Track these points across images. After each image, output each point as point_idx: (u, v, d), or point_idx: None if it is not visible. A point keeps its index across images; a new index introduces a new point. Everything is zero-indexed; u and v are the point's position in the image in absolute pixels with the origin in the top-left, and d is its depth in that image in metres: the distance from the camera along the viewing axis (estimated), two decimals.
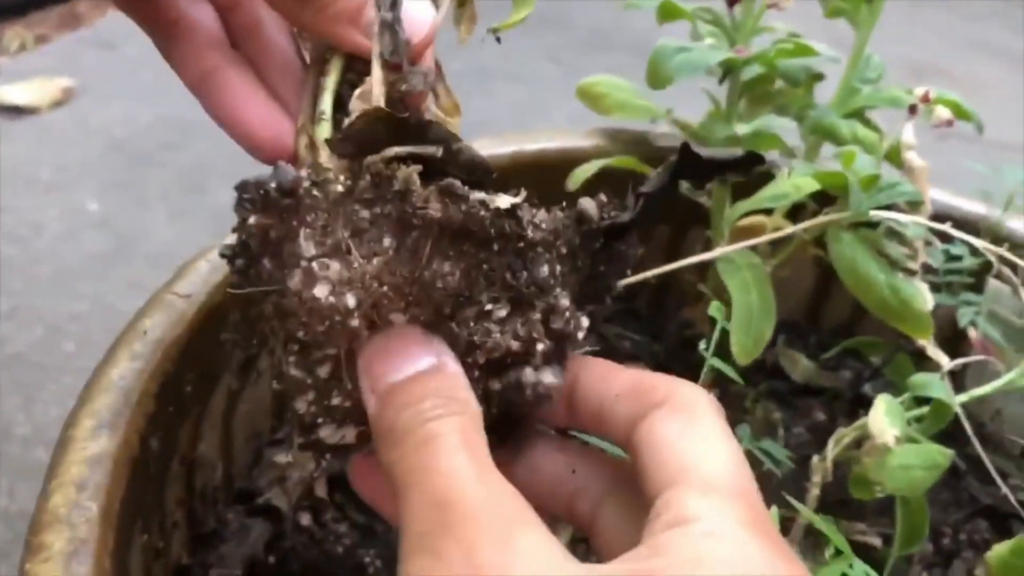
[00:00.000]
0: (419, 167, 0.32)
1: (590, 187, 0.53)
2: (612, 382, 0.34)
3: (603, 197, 0.36)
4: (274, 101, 0.39)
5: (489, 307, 0.33)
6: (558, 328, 0.34)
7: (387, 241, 0.32)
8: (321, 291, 0.31)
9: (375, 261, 0.31)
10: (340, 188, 0.32)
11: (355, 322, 0.31)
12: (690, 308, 0.66)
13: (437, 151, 0.33)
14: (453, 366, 0.33)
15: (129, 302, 1.15)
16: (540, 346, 0.33)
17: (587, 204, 0.35)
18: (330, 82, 0.37)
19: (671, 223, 0.70)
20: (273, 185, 0.32)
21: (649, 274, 0.56)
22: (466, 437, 0.31)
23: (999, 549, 0.51)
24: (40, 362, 0.96)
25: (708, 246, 0.59)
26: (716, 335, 0.51)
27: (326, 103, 0.37)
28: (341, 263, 0.31)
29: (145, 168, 1.24)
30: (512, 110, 1.53)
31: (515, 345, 0.33)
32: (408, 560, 0.28)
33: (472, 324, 0.33)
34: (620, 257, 0.36)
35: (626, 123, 0.64)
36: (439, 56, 0.40)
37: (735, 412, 0.64)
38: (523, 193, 0.33)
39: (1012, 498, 0.50)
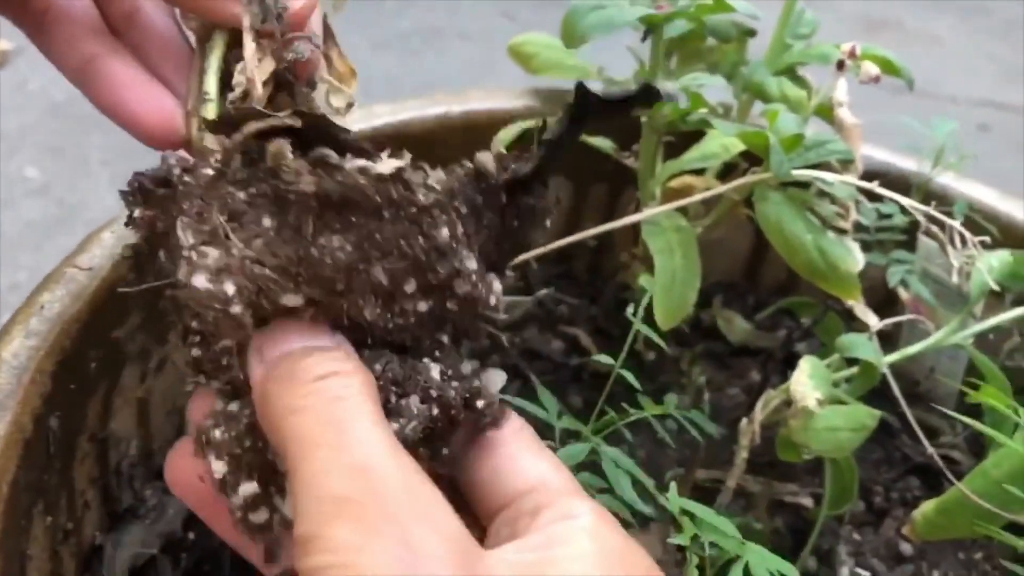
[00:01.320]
0: (288, 140, 0.31)
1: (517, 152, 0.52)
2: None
3: (502, 149, 0.34)
4: (161, 86, 0.37)
5: (383, 279, 0.31)
6: (464, 292, 0.33)
7: (266, 221, 0.30)
8: (199, 280, 0.29)
9: (256, 243, 0.30)
10: (211, 171, 0.31)
11: (236, 309, 0.30)
12: (626, 271, 0.65)
13: (296, 120, 0.31)
14: (350, 347, 0.32)
15: None
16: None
17: (484, 158, 0.34)
18: (213, 61, 0.36)
19: (607, 182, 0.68)
20: (148, 176, 0.31)
21: (583, 235, 0.55)
22: (376, 408, 0.30)
23: (926, 507, 0.51)
24: None
25: (639, 208, 0.58)
26: (644, 301, 0.51)
27: (210, 83, 0.35)
28: (219, 249, 0.30)
29: (86, 132, 1.21)
30: (465, 69, 1.50)
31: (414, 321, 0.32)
32: (325, 523, 0.27)
33: (369, 299, 0.32)
34: (529, 211, 0.35)
35: (557, 81, 0.62)
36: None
37: (671, 375, 0.63)
38: (407, 156, 0.32)
39: (936, 456, 0.49)
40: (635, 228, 0.56)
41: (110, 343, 0.45)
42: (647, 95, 0.36)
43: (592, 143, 0.57)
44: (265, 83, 0.35)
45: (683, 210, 0.54)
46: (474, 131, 0.59)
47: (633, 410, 0.48)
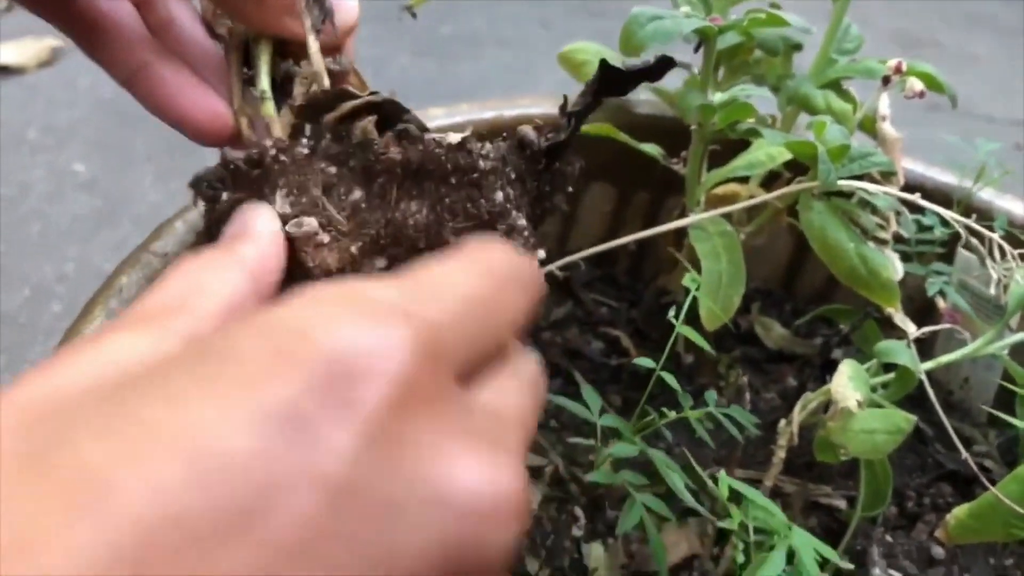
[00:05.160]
0: (374, 117, 0.34)
1: None
2: None
3: (538, 122, 0.39)
4: (207, 88, 0.40)
5: (455, 238, 0.35)
6: (518, 245, 0.36)
7: (356, 192, 0.34)
8: (304, 246, 0.33)
9: (348, 210, 0.33)
10: (305, 150, 0.33)
11: (336, 270, 0.33)
12: (667, 275, 0.67)
13: (381, 98, 0.35)
14: None
15: (115, 264, 1.15)
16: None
17: (526, 130, 0.38)
18: (263, 64, 0.39)
19: (651, 190, 0.70)
20: (241, 159, 0.33)
21: (626, 240, 0.57)
22: None
23: (958, 511, 0.52)
24: (27, 323, 0.97)
25: (684, 213, 0.59)
26: (687, 303, 0.52)
27: (264, 83, 0.39)
28: (318, 218, 0.33)
29: (132, 129, 1.24)
30: (501, 75, 1.53)
31: None
32: None
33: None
34: (561, 175, 0.39)
35: None
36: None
37: (709, 377, 0.65)
38: (468, 129, 0.36)
39: (972, 462, 0.51)
40: (677, 233, 0.58)
41: None
42: (663, 67, 0.41)
43: (641, 149, 0.58)
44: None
45: (727, 216, 0.55)
46: None
47: (673, 412, 0.50)
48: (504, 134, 0.38)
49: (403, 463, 0.19)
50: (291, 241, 0.32)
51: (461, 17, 1.66)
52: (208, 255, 0.28)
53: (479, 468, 0.21)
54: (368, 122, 0.34)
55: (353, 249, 0.33)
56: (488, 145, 0.36)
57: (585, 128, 0.59)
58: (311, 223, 0.32)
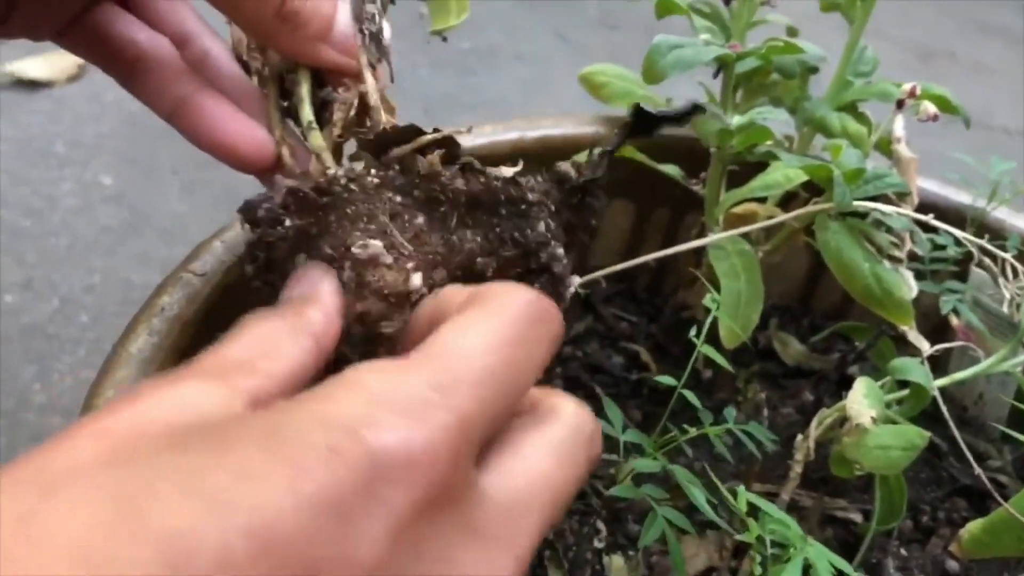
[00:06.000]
0: (442, 151, 0.37)
1: None
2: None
3: (575, 159, 0.41)
4: (247, 117, 0.42)
5: (499, 264, 0.37)
6: (559, 272, 0.39)
7: (419, 219, 0.36)
8: (374, 268, 0.35)
9: (410, 235, 0.36)
10: (376, 180, 0.36)
11: (407, 287, 0.35)
12: (686, 291, 0.68)
13: (450, 135, 0.38)
14: None
15: (141, 275, 1.17)
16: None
17: (564, 167, 0.40)
18: (304, 93, 0.41)
19: (670, 207, 0.72)
20: (309, 187, 0.35)
21: (647, 258, 0.58)
22: None
23: (972, 526, 0.53)
24: (56, 333, 0.99)
25: (703, 232, 0.61)
26: (708, 322, 0.54)
27: (309, 114, 0.41)
28: (384, 241, 0.35)
29: (158, 142, 1.27)
30: (520, 89, 1.54)
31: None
32: None
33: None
34: (590, 209, 0.42)
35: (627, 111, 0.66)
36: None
37: (727, 393, 0.66)
38: (520, 164, 0.38)
39: (984, 477, 0.52)
40: (697, 251, 0.59)
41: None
42: (692, 112, 0.45)
43: (661, 169, 0.60)
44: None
45: (745, 235, 0.57)
46: (548, 156, 0.62)
47: (693, 428, 0.51)
48: (544, 168, 0.40)
49: (421, 560, 0.23)
50: (355, 263, 0.34)
51: (479, 31, 1.68)
52: (280, 318, 0.30)
53: (484, 568, 0.24)
54: (437, 155, 0.37)
55: (410, 266, 0.35)
56: (533, 180, 0.39)
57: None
58: (376, 245, 0.34)
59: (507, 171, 0.38)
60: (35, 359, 0.95)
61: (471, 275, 0.37)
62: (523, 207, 0.37)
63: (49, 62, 1.35)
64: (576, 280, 0.40)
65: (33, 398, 0.90)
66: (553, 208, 0.39)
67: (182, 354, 0.45)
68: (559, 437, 0.28)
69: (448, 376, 0.25)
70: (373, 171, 0.37)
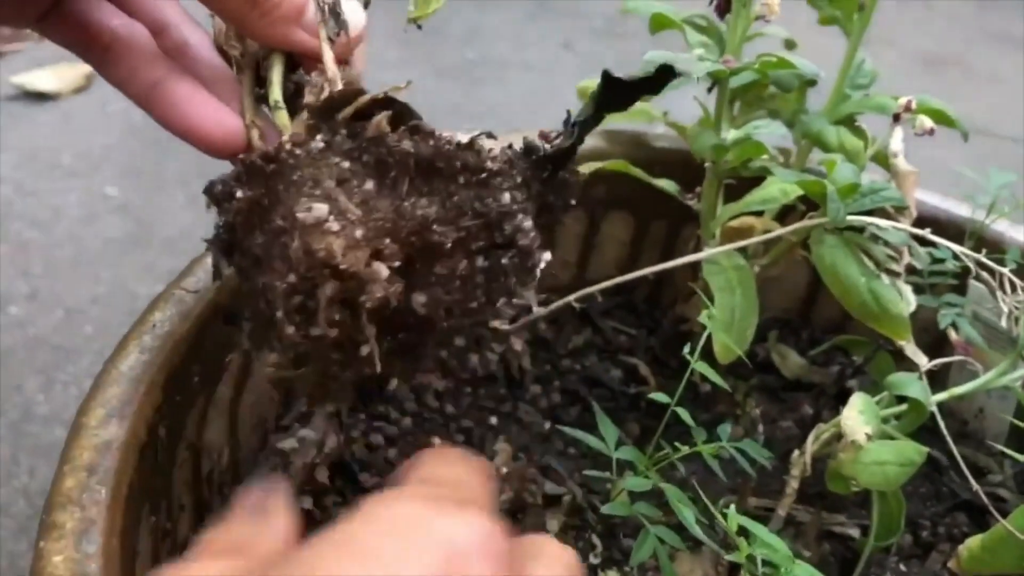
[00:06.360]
0: (388, 113, 0.36)
1: (584, 187, 0.55)
2: None
3: (543, 130, 0.40)
4: (219, 102, 0.42)
5: (458, 234, 0.36)
6: (525, 245, 0.37)
7: (369, 184, 0.35)
8: (312, 233, 0.34)
9: (360, 201, 0.35)
10: (320, 145, 0.35)
11: (343, 256, 0.33)
12: (684, 304, 0.68)
13: (393, 95, 0.37)
14: None
15: (147, 286, 1.17)
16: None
17: (531, 136, 0.39)
18: (276, 76, 0.41)
19: (668, 219, 0.71)
20: (255, 156, 0.35)
21: (645, 271, 0.58)
22: None
23: (971, 543, 0.53)
24: (60, 344, 0.99)
25: (700, 245, 0.60)
26: (703, 338, 0.53)
27: (277, 94, 0.41)
28: (330, 206, 0.34)
29: (163, 154, 1.27)
30: (526, 98, 1.54)
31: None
32: None
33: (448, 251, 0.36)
34: (565, 184, 0.40)
35: (625, 124, 0.66)
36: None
37: (725, 406, 0.66)
38: (477, 131, 0.37)
39: (982, 493, 0.51)
40: (695, 264, 0.59)
41: (210, 359, 0.49)
42: (664, 76, 0.42)
43: (657, 184, 0.60)
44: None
45: (742, 249, 0.56)
46: None
47: (687, 447, 0.50)
48: (510, 141, 0.39)
49: None
50: (302, 231, 0.33)
51: (486, 41, 1.68)
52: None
53: None
54: (383, 117, 0.36)
55: (358, 234, 0.34)
56: (496, 148, 0.38)
57: (603, 165, 0.61)
58: (320, 209, 0.33)
59: (463, 136, 0.36)
60: (39, 370, 0.95)
61: (428, 245, 0.35)
62: (483, 175, 0.36)
63: (56, 74, 1.36)
64: (547, 256, 0.38)
65: (37, 409, 0.90)
66: (520, 180, 0.37)
67: (174, 370, 0.45)
68: None
69: None
70: (319, 136, 0.36)
